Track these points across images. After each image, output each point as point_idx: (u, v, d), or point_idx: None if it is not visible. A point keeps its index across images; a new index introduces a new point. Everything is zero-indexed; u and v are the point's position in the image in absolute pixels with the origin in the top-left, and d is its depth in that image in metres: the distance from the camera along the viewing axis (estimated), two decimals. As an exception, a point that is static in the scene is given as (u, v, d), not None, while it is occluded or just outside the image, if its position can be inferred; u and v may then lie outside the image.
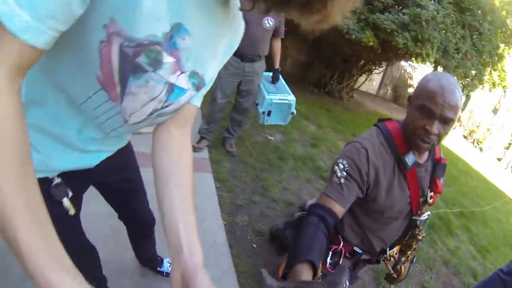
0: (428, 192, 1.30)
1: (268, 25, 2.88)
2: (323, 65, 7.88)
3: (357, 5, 0.55)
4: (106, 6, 0.51)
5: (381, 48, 5.74)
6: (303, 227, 1.07)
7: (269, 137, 4.00)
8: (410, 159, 1.18)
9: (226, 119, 3.37)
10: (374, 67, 8.16)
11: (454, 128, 11.00)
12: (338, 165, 1.17)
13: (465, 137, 11.02)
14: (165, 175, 0.73)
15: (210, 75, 0.75)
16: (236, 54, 2.84)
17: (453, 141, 9.00)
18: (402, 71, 11.93)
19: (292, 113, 3.46)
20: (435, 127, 1.07)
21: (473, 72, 6.00)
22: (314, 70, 8.06)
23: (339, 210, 1.11)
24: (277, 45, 3.21)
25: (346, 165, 1.15)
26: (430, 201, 1.30)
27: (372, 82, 10.21)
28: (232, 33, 0.77)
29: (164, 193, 0.71)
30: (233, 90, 3.10)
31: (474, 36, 5.95)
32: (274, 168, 3.34)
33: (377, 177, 1.18)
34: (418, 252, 2.71)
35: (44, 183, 0.50)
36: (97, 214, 1.09)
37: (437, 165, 1.30)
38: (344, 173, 1.14)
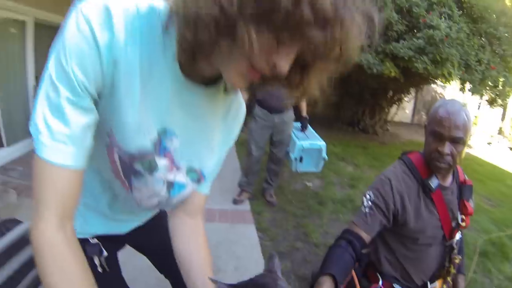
0: (459, 215, 1.34)
1: None
2: (353, 102, 7.98)
3: (333, 74, 0.59)
4: (107, 117, 0.58)
5: (404, 77, 5.79)
6: (332, 248, 1.20)
7: (308, 184, 4.11)
8: (433, 182, 1.27)
9: (264, 170, 3.55)
10: (403, 96, 8.10)
11: (498, 142, 10.27)
12: (365, 196, 1.31)
13: (511, 149, 10.19)
14: (183, 260, 0.80)
15: (209, 167, 0.77)
16: (264, 106, 3.14)
17: (498, 156, 8.34)
18: (433, 93, 11.64)
19: (324, 159, 3.50)
20: (446, 148, 1.19)
21: (502, 79, 5.78)
22: (345, 109, 8.17)
23: (365, 236, 1.23)
24: None
25: (372, 195, 1.28)
26: (463, 224, 1.35)
27: (404, 110, 10.07)
28: (229, 122, 0.76)
29: (185, 274, 0.80)
30: (266, 141, 3.25)
31: (494, 43, 5.82)
32: (314, 213, 3.41)
33: (402, 202, 1.27)
34: (472, 285, 2.54)
35: (82, 242, 0.62)
36: (144, 264, 1.22)
37: (463, 187, 1.36)
38: (370, 203, 1.27)
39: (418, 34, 5.41)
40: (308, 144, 3.37)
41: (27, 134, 5.00)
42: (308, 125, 3.64)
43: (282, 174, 3.75)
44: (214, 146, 0.75)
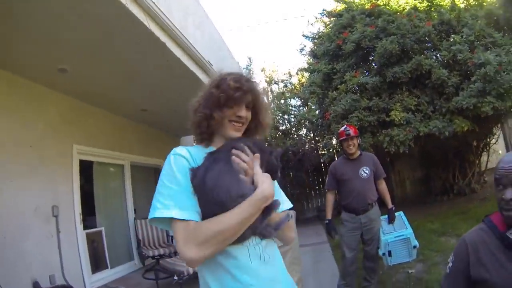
0: None
1: (365, 174, 3.16)
2: (440, 170, 7.48)
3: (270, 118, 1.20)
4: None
5: (478, 124, 5.46)
6: None
7: (410, 271, 3.64)
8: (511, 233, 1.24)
9: (361, 269, 3.39)
10: (488, 140, 7.39)
11: None
12: (450, 257, 1.39)
13: None
14: None
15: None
16: (349, 210, 3.21)
17: None
18: None
19: (415, 247, 3.21)
20: (508, 193, 1.18)
21: None
22: (434, 180, 7.67)
23: None
24: (382, 186, 3.36)
25: (452, 258, 1.37)
26: None
27: (497, 153, 8.76)
28: None
29: None
30: (359, 242, 3.24)
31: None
32: (420, 302, 2.98)
33: (478, 259, 1.26)
34: None
35: None
36: None
37: None
38: (450, 264, 1.37)
39: (472, 78, 5.20)
40: (392, 237, 3.19)
41: (127, 259, 5.53)
42: (401, 214, 3.44)
43: (382, 268, 3.54)
44: None
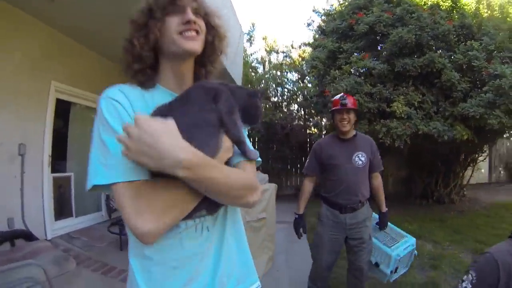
0: None
1: (360, 162, 2.45)
2: (424, 173, 7.55)
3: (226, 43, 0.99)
4: None
5: (477, 136, 5.38)
6: None
7: (384, 271, 3.62)
8: None
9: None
10: (477, 155, 7.54)
11: None
12: (467, 275, 1.17)
13: None
14: None
15: None
16: (333, 205, 2.53)
17: None
18: (508, 144, 10.69)
19: (415, 255, 2.76)
20: None
21: None
22: (416, 182, 7.77)
23: None
24: (378, 181, 2.65)
25: (475, 277, 1.14)
26: None
27: (480, 170, 9.17)
28: None
29: None
30: (341, 246, 2.57)
31: None
32: (392, 305, 2.89)
33: (508, 282, 1.09)
34: None
35: None
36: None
37: None
38: (470, 286, 1.14)
39: (484, 88, 5.07)
40: (402, 250, 2.60)
41: (94, 209, 5.28)
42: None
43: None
44: None
